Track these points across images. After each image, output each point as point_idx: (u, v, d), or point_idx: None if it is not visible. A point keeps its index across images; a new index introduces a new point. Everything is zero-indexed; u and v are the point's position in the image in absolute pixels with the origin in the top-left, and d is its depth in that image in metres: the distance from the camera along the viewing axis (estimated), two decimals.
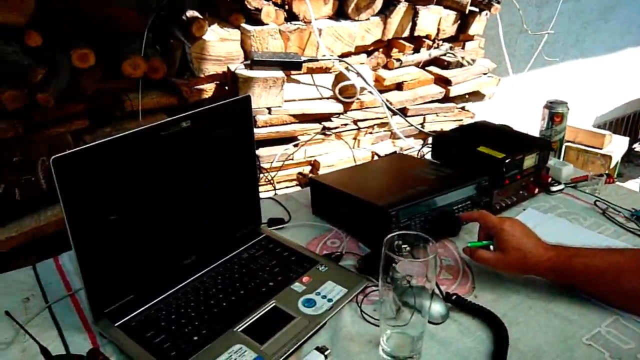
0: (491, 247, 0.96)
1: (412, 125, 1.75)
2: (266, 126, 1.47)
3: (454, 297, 0.91)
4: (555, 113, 1.41)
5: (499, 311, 0.89)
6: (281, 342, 0.81)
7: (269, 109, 1.46)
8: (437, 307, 0.88)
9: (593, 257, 0.89)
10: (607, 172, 1.32)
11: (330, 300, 0.90)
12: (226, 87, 1.47)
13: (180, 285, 0.92)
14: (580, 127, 3.09)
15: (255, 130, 1.46)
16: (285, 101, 1.50)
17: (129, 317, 0.85)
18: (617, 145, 3.09)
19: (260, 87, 1.41)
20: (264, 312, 0.88)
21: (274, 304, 0.89)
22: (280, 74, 1.44)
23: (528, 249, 0.90)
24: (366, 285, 0.94)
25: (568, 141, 3.05)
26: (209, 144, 0.96)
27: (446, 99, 1.86)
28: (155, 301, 0.89)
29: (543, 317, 0.89)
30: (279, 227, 1.13)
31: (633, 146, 3.82)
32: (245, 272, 0.97)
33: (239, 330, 0.83)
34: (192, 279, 0.94)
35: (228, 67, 1.45)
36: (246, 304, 0.89)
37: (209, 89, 1.43)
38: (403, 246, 0.85)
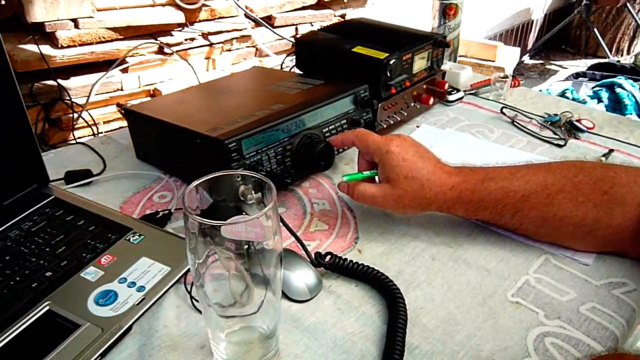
0: (376, 178, 0.68)
1: (282, 37, 1.41)
2: (74, 45, 1.07)
3: (327, 257, 0.62)
4: (448, 4, 1.14)
5: (391, 268, 0.63)
6: None
7: (74, 21, 1.06)
8: (301, 277, 0.59)
9: (512, 179, 0.64)
10: (511, 74, 1.09)
11: (141, 288, 0.58)
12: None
13: None
14: (471, 39, 2.92)
15: (58, 52, 1.06)
16: (99, 10, 1.10)
17: None
18: (508, 57, 2.97)
19: None
20: (30, 322, 0.55)
21: (47, 308, 0.56)
22: None
23: (425, 176, 0.63)
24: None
25: (461, 55, 2.88)
26: None
27: (321, 4, 1.54)
28: None
29: (452, 269, 0.64)
30: (81, 182, 0.78)
31: (522, 58, 3.75)
32: (8, 260, 0.62)
33: None
34: None
35: None
36: (4, 311, 0.55)
37: None
38: (249, 195, 0.55)
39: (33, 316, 0.55)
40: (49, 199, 0.72)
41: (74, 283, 0.59)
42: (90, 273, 0.60)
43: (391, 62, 0.84)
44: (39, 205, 0.71)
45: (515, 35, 3.72)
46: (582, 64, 3.72)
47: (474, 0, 3.11)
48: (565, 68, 3.69)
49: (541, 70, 3.74)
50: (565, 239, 0.66)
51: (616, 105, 1.94)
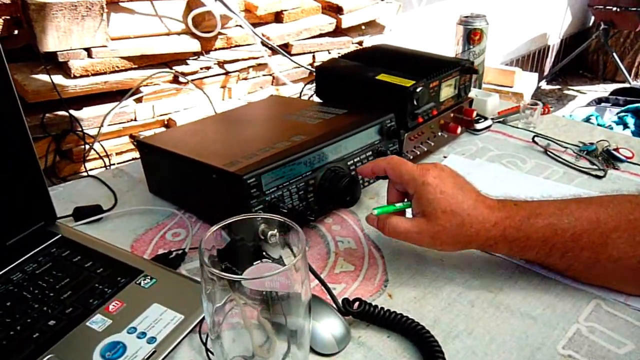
0: (408, 211, 0.62)
1: (299, 65, 1.38)
2: (87, 75, 1.04)
3: (355, 304, 0.57)
4: (472, 30, 1.09)
5: (426, 316, 0.58)
6: None
7: (87, 50, 1.03)
8: (327, 327, 0.54)
9: (561, 216, 0.58)
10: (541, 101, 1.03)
11: (152, 340, 0.53)
12: (21, 24, 1.01)
13: None
14: (488, 65, 2.88)
15: (71, 82, 1.03)
16: (113, 39, 1.07)
17: None
18: (527, 82, 2.91)
19: (67, 19, 0.98)
20: None
21: None
22: None
23: (465, 211, 0.57)
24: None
25: None
26: None
27: (339, 32, 1.51)
28: None
29: (493, 317, 0.58)
30: (90, 219, 0.74)
31: (539, 84, 3.70)
32: (9, 306, 0.57)
33: None
34: None
35: None
36: None
37: None
38: (270, 233, 0.51)
39: None
40: (55, 238, 0.67)
41: (79, 333, 0.54)
42: (97, 322, 0.55)
43: (418, 89, 0.80)
44: (44, 245, 0.66)
45: (532, 60, 3.68)
46: (600, 89, 3.66)
47: (490, 26, 3.09)
48: (584, 93, 3.63)
49: (559, 95, 3.68)
50: (619, 283, 0.59)
51: None
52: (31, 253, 0.64)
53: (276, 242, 0.50)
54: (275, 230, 0.49)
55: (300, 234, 0.41)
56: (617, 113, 2.06)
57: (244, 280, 0.39)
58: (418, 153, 0.86)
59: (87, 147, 1.04)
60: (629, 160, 0.89)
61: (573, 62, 3.67)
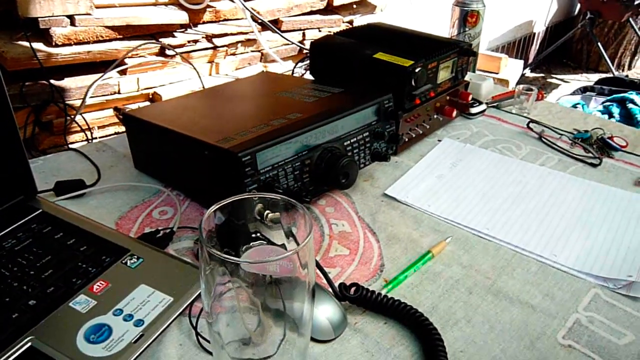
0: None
1: (289, 42, 1.34)
2: (69, 44, 0.99)
3: (352, 289, 0.55)
4: (469, 11, 1.07)
5: (424, 303, 0.56)
6: None
7: (70, 17, 0.98)
8: (324, 312, 0.52)
9: None
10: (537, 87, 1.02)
11: (139, 322, 0.50)
12: None
13: None
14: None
15: (52, 51, 0.98)
16: (98, 7, 1.02)
17: None
18: (512, 69, 2.91)
19: None
20: None
21: (29, 344, 0.48)
22: None
23: None
24: None
25: None
26: None
27: (330, 9, 1.47)
28: None
29: (492, 305, 0.57)
30: (73, 194, 0.71)
31: (524, 71, 3.70)
32: None
33: None
34: None
35: None
36: None
37: None
38: (267, 212, 0.49)
39: (13, 354, 0.47)
40: (35, 213, 0.64)
41: (62, 314, 0.51)
42: (81, 302, 0.52)
43: (417, 70, 0.77)
44: (24, 220, 0.63)
45: (517, 47, 3.68)
46: (583, 78, 3.68)
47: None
48: (567, 82, 3.64)
49: (542, 83, 3.70)
50: None
51: (628, 122, 1.89)
52: (10, 228, 0.61)
53: (278, 224, 0.48)
54: (277, 211, 0.47)
55: (307, 216, 0.38)
56: (602, 102, 2.07)
57: (248, 263, 0.37)
58: (413, 135, 0.84)
59: (69, 119, 0.99)
60: (623, 149, 0.88)
61: (557, 50, 3.68)
